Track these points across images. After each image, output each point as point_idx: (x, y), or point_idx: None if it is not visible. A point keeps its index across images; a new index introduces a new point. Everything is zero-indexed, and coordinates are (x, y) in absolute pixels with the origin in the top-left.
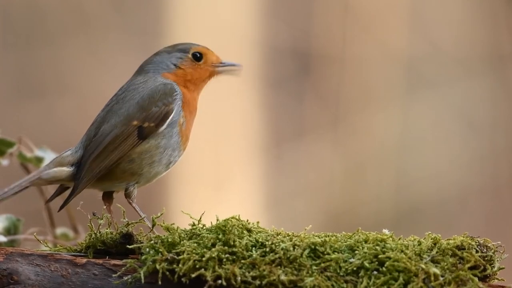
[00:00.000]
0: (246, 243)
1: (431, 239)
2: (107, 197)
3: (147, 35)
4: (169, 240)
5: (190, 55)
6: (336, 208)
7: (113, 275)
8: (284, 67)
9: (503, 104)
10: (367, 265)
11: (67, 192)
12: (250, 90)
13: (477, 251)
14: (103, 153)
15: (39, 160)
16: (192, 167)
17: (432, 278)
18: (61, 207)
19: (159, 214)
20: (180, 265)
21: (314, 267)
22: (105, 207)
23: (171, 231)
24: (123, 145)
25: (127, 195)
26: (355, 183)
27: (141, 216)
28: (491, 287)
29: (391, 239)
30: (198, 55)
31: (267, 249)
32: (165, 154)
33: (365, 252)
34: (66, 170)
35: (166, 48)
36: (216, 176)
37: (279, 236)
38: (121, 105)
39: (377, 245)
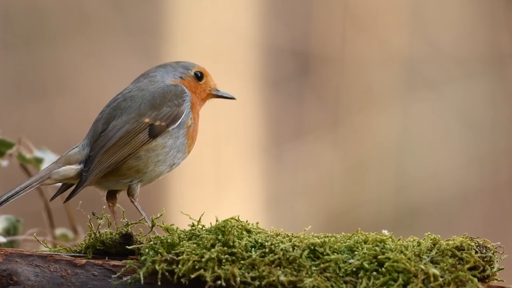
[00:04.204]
0: (246, 243)
1: (431, 239)
2: (111, 197)
3: (147, 35)
4: (169, 240)
5: (192, 73)
6: (336, 208)
7: (113, 276)
8: (284, 68)
9: (503, 104)
10: (366, 265)
11: (69, 191)
12: (250, 90)
13: (476, 252)
14: (113, 148)
15: (39, 161)
16: (192, 167)
17: (432, 279)
18: (67, 199)
19: (158, 215)
20: (179, 266)
21: (313, 268)
22: (105, 207)
23: (170, 232)
24: (133, 141)
25: (130, 193)
26: (355, 183)
27: (142, 215)
28: (491, 287)
29: (390, 239)
30: (199, 75)
31: (267, 250)
32: (170, 155)
33: (365, 253)
34: (75, 168)
35: (171, 62)
36: (216, 176)
37: (279, 236)
38: (129, 102)
39: (377, 245)
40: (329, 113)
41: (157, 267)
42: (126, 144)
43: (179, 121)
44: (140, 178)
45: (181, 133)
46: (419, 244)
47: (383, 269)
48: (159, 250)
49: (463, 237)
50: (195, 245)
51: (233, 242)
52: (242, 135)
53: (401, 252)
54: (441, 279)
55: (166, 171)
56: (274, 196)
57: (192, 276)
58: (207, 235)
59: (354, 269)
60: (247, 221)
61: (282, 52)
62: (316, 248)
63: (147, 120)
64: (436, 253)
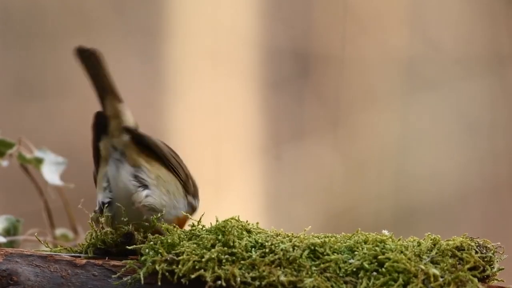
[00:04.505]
0: (246, 244)
1: (431, 240)
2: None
3: (147, 36)
4: (169, 241)
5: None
6: (336, 208)
7: (113, 276)
8: (283, 68)
9: (503, 105)
10: (366, 266)
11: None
12: (249, 91)
13: (476, 252)
14: (167, 147)
15: (39, 161)
16: (192, 167)
17: (432, 279)
18: (139, 134)
19: (159, 215)
20: (179, 266)
21: (313, 268)
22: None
23: (170, 232)
24: (177, 160)
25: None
26: (355, 184)
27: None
28: (491, 287)
29: (390, 240)
30: None
31: (267, 250)
32: (170, 199)
33: (365, 253)
34: (131, 119)
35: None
36: (216, 176)
37: (279, 237)
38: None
39: (377, 246)
40: (329, 113)
41: (157, 267)
42: (172, 153)
43: (196, 202)
44: (151, 185)
45: (182, 205)
46: (419, 244)
47: (383, 269)
48: (159, 250)
49: (463, 237)
50: (195, 245)
51: (233, 242)
52: (242, 135)
53: (401, 252)
54: (441, 279)
55: (154, 207)
56: (274, 196)
57: (192, 276)
58: (207, 235)
59: (354, 269)
60: (247, 221)
61: (282, 52)
62: (316, 248)
63: (189, 173)
64: (436, 253)
